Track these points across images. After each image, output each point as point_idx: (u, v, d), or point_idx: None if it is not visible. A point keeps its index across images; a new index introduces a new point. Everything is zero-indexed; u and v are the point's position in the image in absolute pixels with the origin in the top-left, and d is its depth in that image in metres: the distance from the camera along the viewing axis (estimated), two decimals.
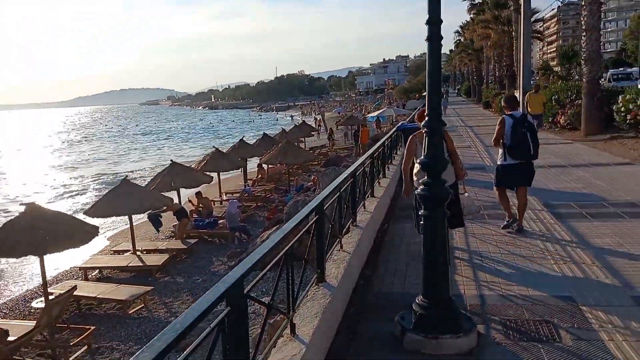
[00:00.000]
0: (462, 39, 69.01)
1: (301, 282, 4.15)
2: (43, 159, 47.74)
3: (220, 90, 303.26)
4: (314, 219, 4.59)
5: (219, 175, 19.46)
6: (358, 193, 7.13)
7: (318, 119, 58.13)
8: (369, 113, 51.93)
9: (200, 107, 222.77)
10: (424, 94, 5.56)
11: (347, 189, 6.30)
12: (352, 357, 4.22)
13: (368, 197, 8.19)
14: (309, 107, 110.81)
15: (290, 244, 3.72)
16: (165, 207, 14.50)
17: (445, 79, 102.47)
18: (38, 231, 9.42)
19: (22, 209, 10.03)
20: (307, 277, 4.67)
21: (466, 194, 6.43)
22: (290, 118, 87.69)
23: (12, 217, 10.23)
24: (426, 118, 4.23)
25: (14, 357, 8.04)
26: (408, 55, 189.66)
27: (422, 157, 4.28)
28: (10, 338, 8.29)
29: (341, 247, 5.83)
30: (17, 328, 8.82)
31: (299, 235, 4.18)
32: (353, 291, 5.54)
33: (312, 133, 35.20)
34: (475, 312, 4.78)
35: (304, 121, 40.03)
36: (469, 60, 64.48)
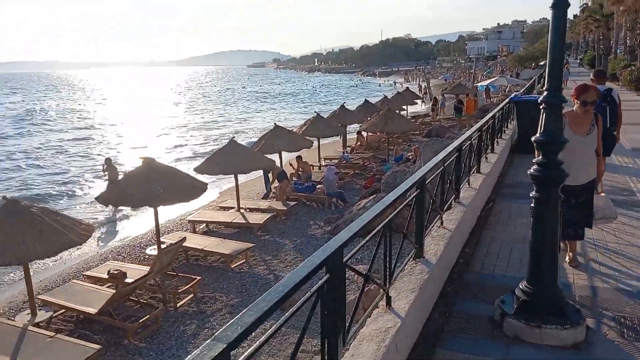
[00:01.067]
0: (589, 3, 62.80)
1: (398, 256, 4.10)
2: (160, 116, 51.20)
3: (324, 54, 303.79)
4: (415, 193, 4.48)
5: (318, 140, 19.72)
6: (463, 168, 6.85)
7: (423, 86, 56.51)
8: (478, 81, 49.38)
9: (304, 71, 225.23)
10: (542, 62, 5.12)
11: (451, 163, 6.07)
12: (447, 336, 4.13)
13: (473, 172, 7.85)
14: (414, 73, 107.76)
15: (390, 217, 3.67)
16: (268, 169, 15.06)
17: (567, 47, 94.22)
18: (153, 184, 10.21)
19: (139, 162, 10.91)
20: (405, 252, 4.60)
21: (603, 194, 5.67)
22: (392, 84, 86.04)
23: (131, 169, 11.13)
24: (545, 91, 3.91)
25: (130, 297, 8.90)
26: (525, 20, 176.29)
27: (537, 135, 3.97)
28: (128, 280, 9.18)
29: (442, 223, 5.67)
30: (134, 272, 9.73)
31: (399, 208, 4.11)
32: (452, 269, 5.41)
33: (416, 101, 34.21)
34: (585, 304, 4.45)
35: (407, 88, 38.98)
36: (596, 27, 58.57)
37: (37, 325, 8.03)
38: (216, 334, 1.73)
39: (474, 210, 6.94)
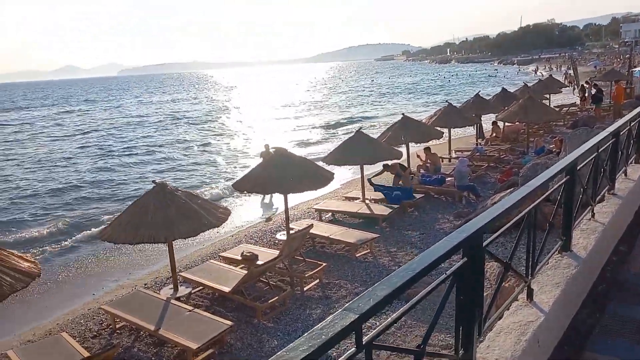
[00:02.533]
0: None
1: (543, 248, 3.67)
2: (291, 111, 53.22)
3: (457, 43, 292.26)
4: (564, 179, 3.99)
5: (449, 131, 18.93)
6: (619, 156, 6.03)
7: (569, 73, 51.76)
8: (634, 67, 43.92)
9: (435, 62, 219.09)
10: None
11: (606, 149, 5.35)
12: (598, 338, 3.62)
13: (632, 162, 6.90)
14: (557, 60, 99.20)
15: (535, 203, 3.29)
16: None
17: None
18: (284, 172, 10.53)
19: (271, 152, 11.34)
20: (549, 244, 4.13)
21: None
22: (533, 72, 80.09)
23: (262, 160, 11.59)
24: None
25: (260, 279, 9.28)
26: None
27: None
28: (259, 262, 9.59)
29: (593, 216, 5.03)
30: (264, 255, 10.14)
31: (545, 194, 3.67)
32: (603, 267, 4.76)
33: (560, 89, 31.34)
34: None
35: (550, 75, 35.93)
36: None
37: (178, 299, 8.71)
38: (347, 304, 1.60)
39: (631, 204, 6.08)
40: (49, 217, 17.52)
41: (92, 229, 14.92)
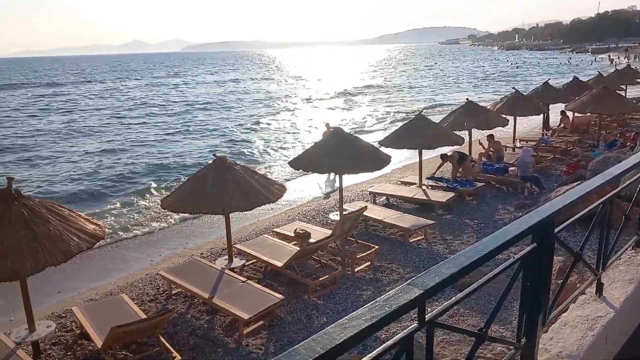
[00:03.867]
0: None
1: (616, 242, 3.44)
2: (352, 92, 52.82)
3: (527, 29, 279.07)
4: None
5: (514, 119, 18.18)
6: None
7: None
8: None
9: (502, 48, 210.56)
10: None
11: None
12: None
13: None
14: (638, 49, 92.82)
15: (611, 194, 3.07)
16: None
17: None
18: (341, 153, 10.47)
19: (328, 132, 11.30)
20: (623, 238, 3.87)
21: None
22: (609, 62, 75.42)
23: (320, 140, 11.54)
24: None
25: (312, 256, 9.34)
26: None
27: None
28: (311, 240, 9.64)
29: None
30: (317, 233, 10.19)
31: (618, 189, 3.43)
32: None
33: (638, 80, 29.38)
34: None
35: (628, 65, 33.71)
36: None
37: (232, 270, 8.92)
38: (411, 279, 1.54)
39: None
40: (119, 185, 18.30)
41: (156, 199, 15.52)
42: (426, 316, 1.57)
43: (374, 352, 1.44)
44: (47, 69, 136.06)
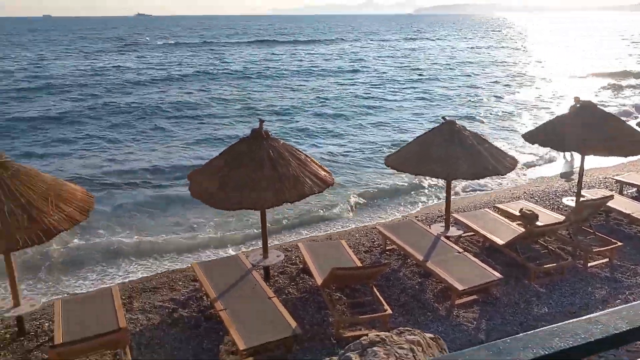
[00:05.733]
0: None
1: None
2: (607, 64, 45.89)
3: None
4: None
5: None
6: None
7: None
8: None
9: None
10: None
11: None
12: None
13: None
14: None
15: None
16: None
17: None
18: (586, 130, 9.19)
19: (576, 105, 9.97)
20: None
21: None
22: None
23: (564, 113, 10.24)
24: None
25: (537, 240, 8.50)
26: None
27: None
28: (538, 223, 8.78)
29: None
30: (545, 216, 9.25)
31: None
32: None
33: None
34: None
35: None
36: None
37: (447, 238, 8.68)
38: None
39: None
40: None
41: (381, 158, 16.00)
42: None
43: None
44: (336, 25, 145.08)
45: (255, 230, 10.35)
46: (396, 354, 3.45)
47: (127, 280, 8.73)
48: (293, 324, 6.14)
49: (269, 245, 8.20)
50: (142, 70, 40.68)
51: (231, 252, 9.70)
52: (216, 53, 57.71)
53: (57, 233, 6.07)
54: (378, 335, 3.69)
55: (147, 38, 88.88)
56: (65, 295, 8.24)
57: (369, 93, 30.28)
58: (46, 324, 6.88)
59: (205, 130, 20.83)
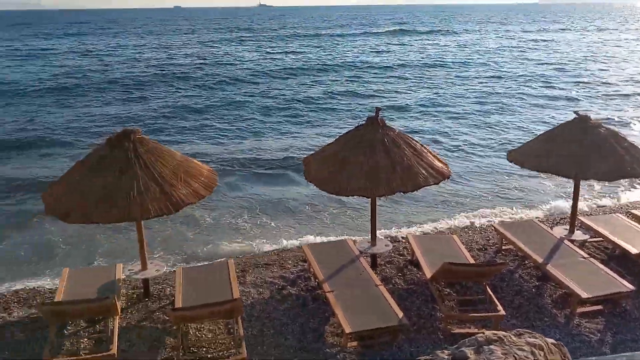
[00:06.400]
0: None
1: None
2: None
3: None
4: None
5: None
6: None
7: None
8: None
9: None
10: None
11: None
12: None
13: None
14: None
15: None
16: None
17: None
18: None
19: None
20: None
21: None
22: None
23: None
24: None
25: None
26: None
27: None
28: None
29: None
30: None
31: None
32: None
33: None
34: None
35: None
36: None
37: (571, 241, 8.02)
38: None
39: None
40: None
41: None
42: None
43: None
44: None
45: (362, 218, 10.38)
46: (515, 355, 3.24)
47: (241, 255, 9.19)
48: (400, 313, 6.07)
49: (377, 233, 8.15)
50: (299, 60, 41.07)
51: (339, 237, 9.81)
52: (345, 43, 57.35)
53: (184, 206, 6.52)
54: (495, 334, 3.50)
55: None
56: (186, 264, 8.88)
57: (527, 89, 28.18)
58: (168, 289, 7.45)
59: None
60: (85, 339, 6.25)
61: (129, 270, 7.32)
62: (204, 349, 6.08)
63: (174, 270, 7.58)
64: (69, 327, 6.49)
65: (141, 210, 6.29)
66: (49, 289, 7.80)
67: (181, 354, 5.74)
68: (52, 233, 10.09)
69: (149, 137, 7.09)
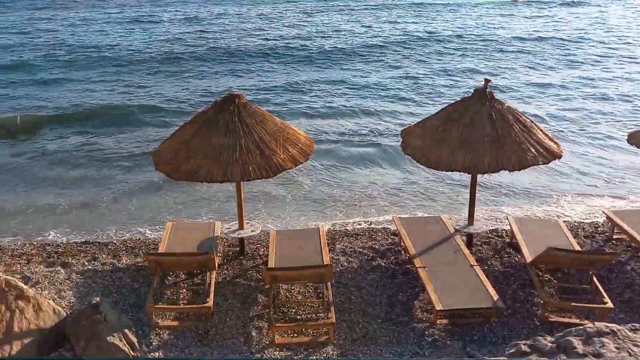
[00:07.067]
0: None
1: None
2: None
3: None
4: None
5: None
6: None
7: None
8: None
9: None
10: None
11: None
12: None
13: None
14: None
15: None
16: None
17: None
18: None
19: None
20: None
21: None
22: None
23: None
24: None
25: None
26: None
27: None
28: None
29: None
30: None
31: None
32: None
33: None
34: None
35: None
36: None
37: None
38: None
39: None
40: None
41: None
42: None
43: None
44: None
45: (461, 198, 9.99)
46: (630, 350, 2.98)
47: (332, 222, 9.24)
48: (495, 295, 5.82)
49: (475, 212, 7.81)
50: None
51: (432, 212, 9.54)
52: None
53: (282, 170, 6.66)
54: (608, 327, 3.24)
55: None
56: (279, 227, 9.10)
57: None
58: (261, 249, 7.71)
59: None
60: (184, 290, 6.65)
61: (226, 228, 7.64)
62: (294, 310, 6.26)
63: (268, 232, 7.82)
64: (169, 277, 6.94)
65: (242, 172, 6.50)
66: (153, 239, 8.37)
67: (272, 312, 5.94)
68: (163, 188, 10.66)
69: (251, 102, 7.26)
